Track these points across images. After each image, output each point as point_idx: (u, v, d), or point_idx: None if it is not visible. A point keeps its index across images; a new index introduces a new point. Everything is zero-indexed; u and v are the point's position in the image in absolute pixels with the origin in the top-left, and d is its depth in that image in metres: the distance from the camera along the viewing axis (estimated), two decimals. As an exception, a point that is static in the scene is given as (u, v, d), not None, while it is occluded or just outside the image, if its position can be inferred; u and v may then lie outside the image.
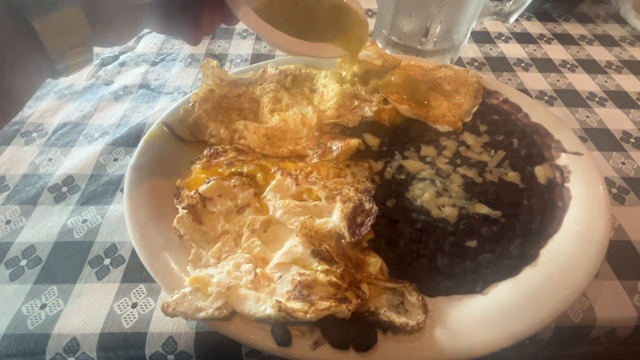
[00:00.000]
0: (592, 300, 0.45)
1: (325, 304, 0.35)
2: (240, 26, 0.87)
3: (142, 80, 0.74)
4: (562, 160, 0.53)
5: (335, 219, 0.44)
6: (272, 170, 0.49)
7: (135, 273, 0.46)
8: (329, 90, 0.60)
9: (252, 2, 0.42)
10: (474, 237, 0.46)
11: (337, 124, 0.57)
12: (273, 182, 0.48)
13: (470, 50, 0.84)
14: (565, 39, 0.89)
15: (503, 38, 0.88)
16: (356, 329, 0.36)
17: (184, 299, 0.38)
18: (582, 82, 0.77)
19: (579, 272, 0.40)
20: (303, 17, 0.48)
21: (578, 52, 0.85)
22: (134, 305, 0.43)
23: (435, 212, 0.47)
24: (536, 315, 0.38)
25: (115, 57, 0.80)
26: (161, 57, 0.80)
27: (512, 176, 0.52)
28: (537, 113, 0.59)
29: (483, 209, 0.48)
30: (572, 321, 0.43)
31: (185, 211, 0.44)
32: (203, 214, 0.45)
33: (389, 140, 0.56)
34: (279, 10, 0.46)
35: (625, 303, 0.45)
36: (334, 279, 0.37)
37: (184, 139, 0.55)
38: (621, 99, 0.73)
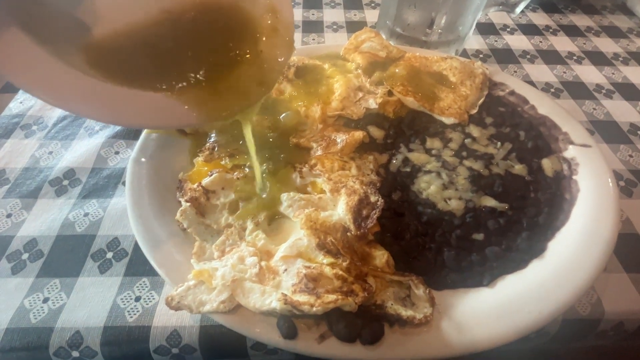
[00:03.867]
0: (600, 293, 0.44)
1: (331, 297, 0.35)
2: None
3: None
4: (570, 152, 0.52)
5: (340, 211, 0.43)
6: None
7: (138, 266, 0.46)
8: (333, 82, 0.59)
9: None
10: (481, 230, 0.45)
11: (342, 116, 0.56)
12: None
13: (475, 41, 0.83)
14: (572, 31, 0.87)
15: (508, 29, 0.87)
16: (363, 322, 0.36)
17: (188, 292, 0.37)
18: (589, 74, 0.75)
19: (587, 265, 0.40)
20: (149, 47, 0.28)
21: (584, 43, 0.84)
22: (138, 299, 0.43)
23: (441, 205, 0.47)
24: (544, 308, 0.37)
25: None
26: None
27: (519, 169, 0.51)
28: (544, 105, 0.58)
29: (490, 202, 0.47)
30: (579, 314, 0.43)
31: (188, 204, 0.44)
32: (206, 206, 0.45)
33: (394, 133, 0.55)
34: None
35: (633, 296, 0.44)
36: (340, 272, 0.37)
37: (186, 132, 0.54)
38: (628, 91, 0.72)
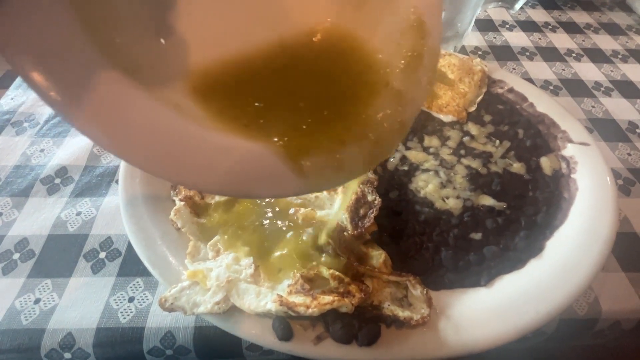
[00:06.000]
0: (597, 292, 0.44)
1: (327, 298, 0.34)
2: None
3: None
4: (569, 150, 0.52)
5: (337, 211, 0.43)
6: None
7: (132, 266, 0.45)
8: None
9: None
10: (479, 229, 0.45)
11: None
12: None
13: (473, 38, 0.82)
14: (571, 27, 0.87)
15: (507, 26, 0.86)
16: (359, 323, 0.35)
17: (182, 293, 0.37)
18: (588, 71, 0.75)
19: (586, 265, 0.40)
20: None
21: (584, 40, 0.83)
22: (131, 300, 0.42)
23: (439, 203, 0.46)
24: (542, 308, 0.37)
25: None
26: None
27: (517, 167, 0.51)
28: (542, 103, 0.58)
29: (488, 201, 0.47)
30: (577, 314, 0.43)
31: (182, 203, 0.43)
32: (201, 205, 0.44)
33: (391, 131, 0.54)
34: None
35: (630, 295, 0.44)
36: (337, 273, 0.36)
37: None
38: (627, 89, 0.71)
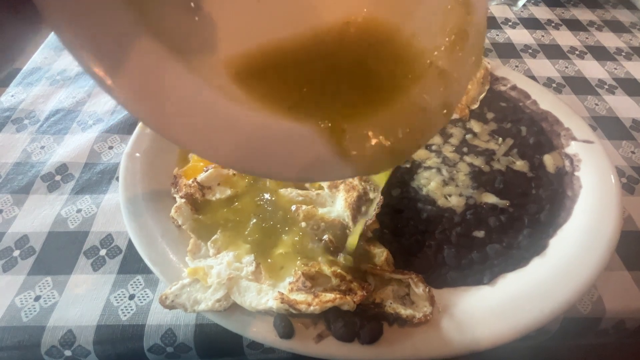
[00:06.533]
0: (601, 291, 0.44)
1: (329, 295, 0.34)
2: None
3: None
4: (572, 148, 0.51)
5: (338, 208, 0.42)
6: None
7: (132, 264, 0.45)
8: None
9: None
10: (481, 227, 0.44)
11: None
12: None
13: (476, 35, 0.81)
14: (574, 25, 0.86)
15: (510, 23, 0.86)
16: (361, 321, 0.35)
17: (183, 291, 0.36)
18: (591, 69, 0.74)
19: (589, 263, 0.39)
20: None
21: (587, 38, 0.82)
22: (132, 297, 0.42)
23: (441, 201, 0.46)
24: (545, 307, 0.37)
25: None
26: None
27: (520, 165, 0.51)
28: (546, 100, 0.57)
29: (490, 199, 0.47)
30: (580, 313, 0.43)
31: (183, 200, 0.43)
32: (202, 203, 0.44)
33: (393, 128, 0.54)
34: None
35: (634, 295, 0.44)
36: (338, 270, 0.36)
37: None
38: (631, 87, 0.71)
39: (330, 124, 0.16)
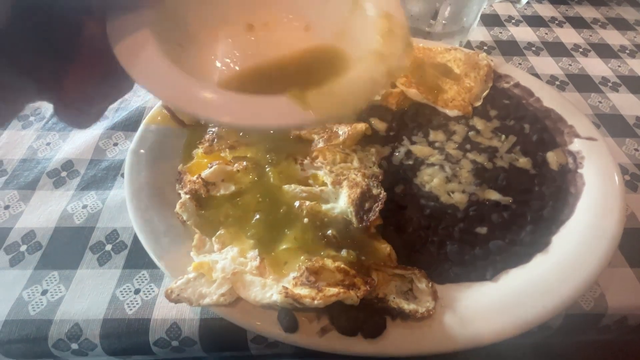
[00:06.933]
0: (604, 287, 0.44)
1: (333, 290, 0.34)
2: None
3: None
4: (575, 145, 0.51)
5: (342, 204, 0.43)
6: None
7: (137, 259, 0.45)
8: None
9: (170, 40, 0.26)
10: (484, 223, 0.44)
11: (343, 108, 0.55)
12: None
13: (479, 33, 0.81)
14: (578, 22, 0.86)
15: (513, 21, 0.85)
16: (364, 315, 0.35)
17: (188, 285, 0.37)
18: (595, 66, 0.74)
19: (592, 260, 0.39)
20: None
21: (591, 35, 0.82)
22: (137, 291, 0.43)
23: (444, 198, 0.46)
24: (547, 303, 0.37)
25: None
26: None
27: (523, 162, 0.51)
28: (549, 98, 0.57)
29: (493, 195, 0.47)
30: (582, 309, 0.43)
31: (187, 196, 0.43)
32: (206, 199, 0.44)
33: (396, 125, 0.54)
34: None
35: (636, 291, 0.44)
36: (342, 265, 0.36)
37: (185, 123, 0.53)
38: (635, 84, 0.70)
39: (295, 91, 0.24)
